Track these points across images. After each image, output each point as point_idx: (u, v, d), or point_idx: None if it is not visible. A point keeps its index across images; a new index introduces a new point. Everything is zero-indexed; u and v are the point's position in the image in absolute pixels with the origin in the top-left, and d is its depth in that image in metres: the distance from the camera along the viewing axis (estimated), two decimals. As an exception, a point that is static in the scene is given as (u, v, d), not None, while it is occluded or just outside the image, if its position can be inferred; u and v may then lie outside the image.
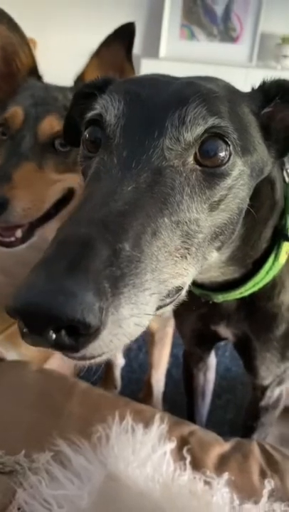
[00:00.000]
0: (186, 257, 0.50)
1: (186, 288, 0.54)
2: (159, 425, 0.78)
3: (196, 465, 0.80)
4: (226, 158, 0.52)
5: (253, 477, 0.83)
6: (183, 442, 0.84)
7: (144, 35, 3.20)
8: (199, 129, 0.51)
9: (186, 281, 0.53)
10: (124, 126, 0.52)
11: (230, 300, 0.80)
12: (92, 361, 0.43)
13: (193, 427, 0.93)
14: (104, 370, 1.55)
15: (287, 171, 0.73)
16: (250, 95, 0.61)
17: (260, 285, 0.74)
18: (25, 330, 0.39)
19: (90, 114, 0.57)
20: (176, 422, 0.90)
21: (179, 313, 1.00)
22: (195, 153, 0.52)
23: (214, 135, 0.52)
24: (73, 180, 0.95)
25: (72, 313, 0.36)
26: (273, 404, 1.02)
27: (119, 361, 1.55)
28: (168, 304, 0.52)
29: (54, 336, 0.37)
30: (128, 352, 1.69)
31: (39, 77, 1.05)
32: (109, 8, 3.12)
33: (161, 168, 0.49)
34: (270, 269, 0.72)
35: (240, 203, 0.56)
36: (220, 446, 0.88)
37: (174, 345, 1.43)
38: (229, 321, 0.87)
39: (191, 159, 0.52)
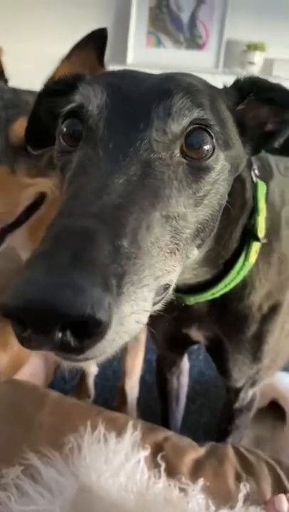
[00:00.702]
0: (174, 253, 0.50)
1: (172, 286, 0.53)
2: (132, 433, 0.76)
3: (171, 472, 0.79)
4: (211, 152, 0.52)
5: (228, 481, 0.82)
6: (157, 449, 0.83)
7: (112, 42, 3.16)
8: (185, 120, 0.51)
9: (172, 279, 0.52)
10: (108, 118, 0.51)
11: (201, 302, 0.79)
12: (87, 362, 0.41)
13: (168, 432, 0.92)
14: (77, 379, 1.52)
15: (254, 171, 0.73)
16: (226, 92, 0.61)
17: (231, 285, 0.74)
18: (24, 333, 0.36)
19: (69, 106, 0.55)
20: (150, 429, 0.89)
21: (151, 317, 0.99)
22: (181, 146, 0.51)
23: (199, 127, 0.52)
24: (45, 184, 0.93)
25: (83, 309, 0.33)
26: (247, 406, 1.02)
27: (93, 369, 1.52)
28: (157, 303, 0.51)
29: (60, 336, 0.35)
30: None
31: (6, 81, 1.03)
32: (76, 16, 3.11)
33: (150, 161, 0.48)
34: (241, 269, 0.72)
35: (220, 199, 0.56)
36: (195, 452, 0.87)
37: (146, 351, 1.42)
38: (201, 323, 0.86)
39: (177, 152, 0.51)
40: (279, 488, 0.82)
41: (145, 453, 0.75)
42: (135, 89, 0.53)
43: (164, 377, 1.16)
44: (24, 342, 0.37)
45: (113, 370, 1.69)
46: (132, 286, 0.39)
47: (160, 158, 0.49)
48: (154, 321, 0.97)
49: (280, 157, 0.87)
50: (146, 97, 0.52)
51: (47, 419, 0.86)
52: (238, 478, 0.83)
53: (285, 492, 0.80)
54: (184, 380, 1.19)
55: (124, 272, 0.39)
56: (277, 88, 0.61)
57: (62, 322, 0.34)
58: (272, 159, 0.83)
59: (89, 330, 0.35)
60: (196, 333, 0.90)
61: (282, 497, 0.76)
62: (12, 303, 0.35)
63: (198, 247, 0.58)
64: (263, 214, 0.71)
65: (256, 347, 0.85)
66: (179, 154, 0.51)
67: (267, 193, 0.74)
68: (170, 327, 0.93)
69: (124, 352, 1.35)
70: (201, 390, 1.61)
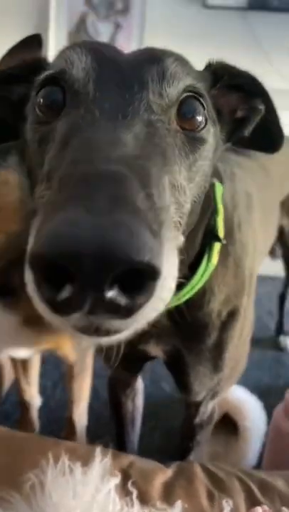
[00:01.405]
0: (178, 229, 0.46)
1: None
2: (102, 460, 0.70)
3: (142, 498, 0.74)
4: (203, 123, 0.50)
5: (201, 501, 0.78)
6: (124, 476, 0.77)
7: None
8: (181, 84, 0.49)
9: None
10: (97, 80, 0.47)
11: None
12: (120, 335, 0.36)
13: (131, 457, 0.87)
14: (20, 414, 1.42)
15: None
16: (201, 73, 0.59)
17: (196, 289, 0.71)
18: (58, 294, 0.30)
19: (46, 73, 0.51)
20: (113, 455, 0.83)
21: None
22: (175, 114, 0.49)
23: (192, 96, 0.50)
24: None
25: (143, 253, 0.28)
26: (208, 420, 0.99)
27: (36, 401, 1.43)
28: None
29: (110, 291, 0.29)
30: (43, 390, 1.57)
31: None
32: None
33: (152, 122, 0.45)
34: (205, 270, 0.70)
35: (205, 180, 0.54)
36: (162, 474, 0.82)
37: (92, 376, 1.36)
38: (159, 337, 0.82)
39: (173, 118, 0.48)
40: (253, 501, 0.79)
41: (115, 481, 0.69)
42: (119, 54, 0.51)
43: (118, 401, 1.10)
44: (55, 306, 0.31)
45: (56, 400, 1.60)
46: (168, 241, 0.35)
47: (161, 121, 0.47)
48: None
49: (227, 162, 0.88)
50: (135, 61, 0.49)
51: (-1, 458, 0.78)
52: (211, 497, 0.79)
53: (259, 504, 0.78)
54: (139, 401, 1.14)
55: (162, 222, 0.35)
56: (246, 75, 0.61)
57: (119, 270, 0.28)
58: (220, 165, 0.82)
59: (140, 284, 0.30)
60: (154, 348, 0.86)
61: (259, 510, 0.74)
62: (53, 249, 0.28)
63: (183, 233, 0.54)
64: (221, 215, 0.70)
65: (217, 356, 0.83)
66: (175, 122, 0.49)
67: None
68: (125, 344, 0.88)
69: (69, 379, 1.28)
70: (151, 412, 1.57)
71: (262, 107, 0.64)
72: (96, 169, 0.35)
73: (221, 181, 0.75)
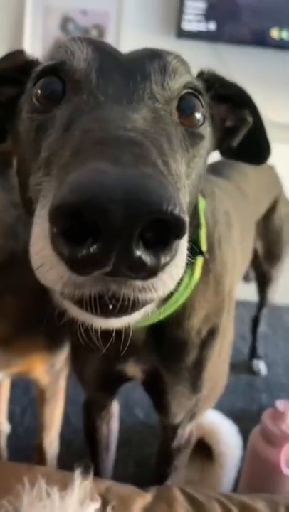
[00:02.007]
0: None
1: None
2: (81, 483, 0.67)
3: (122, 524, 0.71)
4: (201, 121, 0.51)
5: (182, 526, 0.75)
6: (103, 501, 0.74)
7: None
8: (182, 79, 0.49)
9: None
10: (99, 69, 0.47)
11: (139, 330, 0.74)
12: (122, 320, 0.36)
13: (107, 482, 0.84)
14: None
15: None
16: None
17: (178, 303, 0.70)
18: (80, 250, 0.28)
19: (45, 64, 0.50)
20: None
21: (79, 355, 0.91)
22: (175, 109, 0.49)
23: (191, 93, 0.50)
24: None
25: (173, 204, 0.28)
26: (185, 444, 0.97)
27: (4, 427, 1.37)
28: None
29: (137, 246, 0.27)
30: (11, 417, 1.51)
31: None
32: None
33: (157, 109, 0.45)
34: (188, 284, 0.69)
35: (198, 181, 0.54)
36: (141, 499, 0.80)
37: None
38: (138, 355, 0.81)
39: (174, 112, 0.49)
40: (234, 524, 0.77)
41: (96, 505, 0.66)
42: (117, 51, 0.51)
43: (93, 425, 1.06)
44: (76, 264, 0.30)
45: (25, 427, 1.54)
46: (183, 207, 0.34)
47: (165, 110, 0.47)
48: (82, 359, 0.91)
49: (206, 181, 0.88)
50: (136, 56, 0.50)
51: None
52: (192, 521, 0.76)
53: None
54: (114, 425, 1.11)
55: (179, 188, 0.34)
56: (235, 87, 0.63)
57: (149, 219, 0.27)
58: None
59: (165, 242, 0.29)
60: (132, 368, 0.84)
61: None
62: (83, 196, 0.27)
63: None
64: (204, 229, 0.70)
65: (196, 375, 0.81)
66: (176, 115, 0.49)
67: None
68: (102, 364, 0.86)
69: (40, 403, 1.23)
70: (123, 439, 1.52)
71: (250, 118, 0.66)
72: (113, 134, 0.35)
73: (203, 196, 0.75)
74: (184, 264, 0.36)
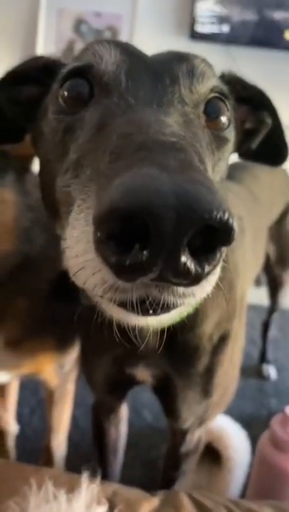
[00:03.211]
0: None
1: None
2: (88, 486, 0.66)
3: (129, 528, 0.70)
4: (227, 125, 0.51)
5: (189, 531, 0.75)
6: (110, 504, 0.74)
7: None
8: (209, 83, 0.49)
9: None
10: (128, 71, 0.47)
11: (150, 333, 0.74)
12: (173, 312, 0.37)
13: (114, 485, 0.84)
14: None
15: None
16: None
17: (192, 307, 0.69)
18: (128, 256, 0.28)
19: (72, 65, 0.50)
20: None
21: (89, 358, 0.91)
22: (202, 112, 0.49)
23: (217, 97, 0.51)
24: None
25: (222, 213, 0.28)
26: (194, 449, 0.96)
27: (12, 428, 1.37)
28: None
29: (185, 253, 0.28)
30: (19, 417, 1.51)
31: None
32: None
33: (187, 113, 0.45)
34: None
35: (221, 183, 0.54)
36: (148, 503, 0.79)
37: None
38: (148, 360, 0.80)
39: (202, 115, 0.49)
40: (242, 531, 0.77)
41: (103, 509, 0.65)
42: (143, 53, 0.51)
43: (102, 428, 1.06)
44: (121, 270, 0.30)
45: (33, 428, 1.54)
46: None
47: (194, 114, 0.47)
48: (92, 362, 0.91)
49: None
50: (163, 59, 0.50)
51: (-23, 485, 0.74)
52: (199, 527, 0.76)
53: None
54: (123, 429, 1.11)
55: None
56: (255, 89, 0.63)
57: (200, 226, 0.27)
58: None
59: (212, 247, 0.30)
60: (142, 372, 0.83)
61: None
62: (132, 202, 0.27)
63: None
64: None
65: (206, 380, 0.81)
66: (203, 119, 0.49)
67: None
68: (112, 367, 0.86)
69: (49, 405, 1.24)
70: (131, 442, 1.52)
71: (269, 120, 0.66)
72: (154, 139, 0.34)
73: None
74: (219, 271, 0.36)
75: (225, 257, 0.76)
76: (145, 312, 0.35)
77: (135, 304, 0.34)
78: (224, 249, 0.33)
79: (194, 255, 0.30)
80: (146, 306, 0.35)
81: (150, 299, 0.34)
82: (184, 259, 0.30)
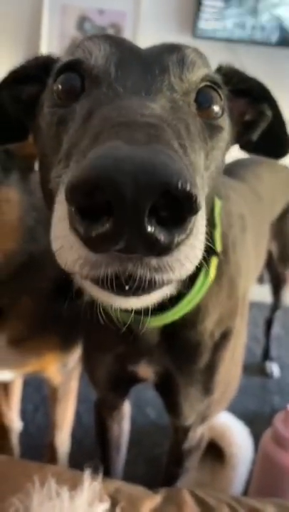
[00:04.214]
0: None
1: None
2: (91, 484, 0.67)
3: (131, 525, 0.71)
4: (220, 114, 0.51)
5: (191, 529, 0.75)
6: (112, 501, 0.74)
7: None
8: (200, 72, 0.50)
9: None
10: (117, 63, 0.48)
11: (152, 330, 0.74)
12: (154, 292, 0.37)
13: (117, 482, 0.84)
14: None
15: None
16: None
17: (193, 303, 0.69)
18: (95, 228, 0.30)
19: (64, 60, 0.51)
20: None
21: (91, 356, 0.91)
22: (193, 101, 0.49)
23: (209, 86, 0.51)
24: None
25: (184, 179, 0.29)
26: (196, 446, 0.97)
27: (16, 425, 1.38)
28: None
29: (149, 223, 0.29)
30: (23, 414, 1.52)
31: None
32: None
33: (175, 99, 0.46)
34: (202, 284, 0.69)
35: (217, 174, 0.54)
36: (150, 500, 0.79)
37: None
38: (151, 357, 0.81)
39: (192, 103, 0.49)
40: (244, 529, 0.77)
41: (105, 506, 0.66)
42: (136, 46, 0.52)
43: (104, 425, 1.06)
44: (91, 241, 0.32)
45: (37, 425, 1.55)
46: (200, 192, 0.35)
47: (183, 101, 0.47)
48: (95, 360, 0.91)
49: (221, 183, 0.88)
50: (154, 50, 0.51)
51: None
52: (201, 524, 0.76)
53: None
54: (126, 426, 1.11)
55: (195, 172, 0.36)
56: (253, 81, 0.63)
57: (160, 193, 0.28)
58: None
59: (181, 215, 0.30)
60: (144, 369, 0.84)
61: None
62: (90, 172, 0.29)
63: None
64: (219, 230, 0.70)
65: (208, 377, 0.81)
66: (194, 107, 0.49)
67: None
68: (114, 365, 0.87)
69: (52, 402, 1.24)
70: (134, 439, 1.53)
71: (269, 112, 0.66)
72: (130, 119, 0.36)
73: (219, 198, 0.75)
74: (201, 247, 0.37)
75: (226, 256, 0.76)
76: (123, 290, 0.36)
77: (111, 281, 0.35)
78: (195, 220, 0.34)
79: (164, 226, 0.31)
80: (122, 282, 0.35)
81: (126, 273, 0.35)
82: (149, 228, 0.30)
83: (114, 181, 0.29)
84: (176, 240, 0.32)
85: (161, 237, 0.31)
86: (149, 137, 0.32)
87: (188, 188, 0.30)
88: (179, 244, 0.33)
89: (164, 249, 0.32)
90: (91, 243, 0.33)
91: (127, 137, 0.32)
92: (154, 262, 0.34)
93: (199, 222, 0.35)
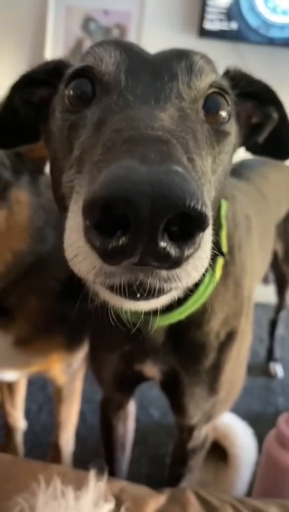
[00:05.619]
0: None
1: None
2: (96, 484, 0.67)
3: (135, 525, 0.71)
4: (227, 119, 0.52)
5: (195, 529, 0.75)
6: (116, 501, 0.74)
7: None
8: (208, 79, 0.50)
9: None
10: (127, 70, 0.49)
11: (159, 330, 0.74)
12: (161, 298, 0.39)
13: (121, 482, 0.84)
14: (3, 438, 1.37)
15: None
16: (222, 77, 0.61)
17: (199, 303, 0.70)
18: (110, 242, 0.32)
19: (76, 66, 0.52)
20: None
21: (97, 355, 0.92)
22: (201, 108, 0.50)
23: (217, 92, 0.52)
24: None
25: (196, 199, 0.31)
26: (201, 445, 0.97)
27: (20, 424, 1.38)
28: None
29: (162, 238, 0.31)
30: (27, 413, 1.52)
31: None
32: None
33: (183, 108, 0.47)
34: (208, 284, 0.69)
35: (224, 177, 0.55)
36: (154, 501, 0.80)
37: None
38: (157, 356, 0.81)
39: (200, 110, 0.50)
40: (248, 529, 0.77)
41: (110, 506, 0.66)
42: (146, 51, 0.53)
43: (110, 423, 1.07)
44: (107, 254, 0.33)
45: (41, 424, 1.56)
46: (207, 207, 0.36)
47: (191, 109, 0.48)
48: (101, 359, 0.91)
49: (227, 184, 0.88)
50: (163, 57, 0.52)
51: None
52: (205, 525, 0.76)
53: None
54: (131, 425, 1.11)
55: (203, 184, 0.37)
56: (260, 83, 0.63)
57: (174, 213, 0.31)
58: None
59: (190, 233, 0.32)
60: (150, 369, 0.84)
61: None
62: (114, 190, 0.30)
63: None
64: (225, 230, 0.70)
65: (213, 377, 0.81)
66: (202, 114, 0.50)
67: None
68: (120, 364, 0.87)
69: (57, 402, 1.25)
70: (138, 438, 1.53)
71: (275, 115, 0.66)
72: (141, 133, 0.37)
73: (225, 199, 0.75)
74: (208, 258, 0.39)
75: (231, 256, 0.77)
76: (134, 296, 0.38)
77: (123, 288, 0.38)
78: (203, 235, 0.36)
79: (175, 240, 0.33)
80: (134, 290, 0.38)
81: (137, 283, 0.37)
82: (162, 243, 0.32)
83: (133, 203, 0.31)
84: (186, 254, 0.34)
85: (173, 252, 0.33)
86: (161, 155, 0.34)
87: (200, 209, 0.32)
88: (188, 257, 0.35)
89: (174, 263, 0.34)
90: (106, 256, 0.34)
91: (141, 155, 0.33)
92: (164, 273, 0.36)
93: (207, 234, 0.37)
